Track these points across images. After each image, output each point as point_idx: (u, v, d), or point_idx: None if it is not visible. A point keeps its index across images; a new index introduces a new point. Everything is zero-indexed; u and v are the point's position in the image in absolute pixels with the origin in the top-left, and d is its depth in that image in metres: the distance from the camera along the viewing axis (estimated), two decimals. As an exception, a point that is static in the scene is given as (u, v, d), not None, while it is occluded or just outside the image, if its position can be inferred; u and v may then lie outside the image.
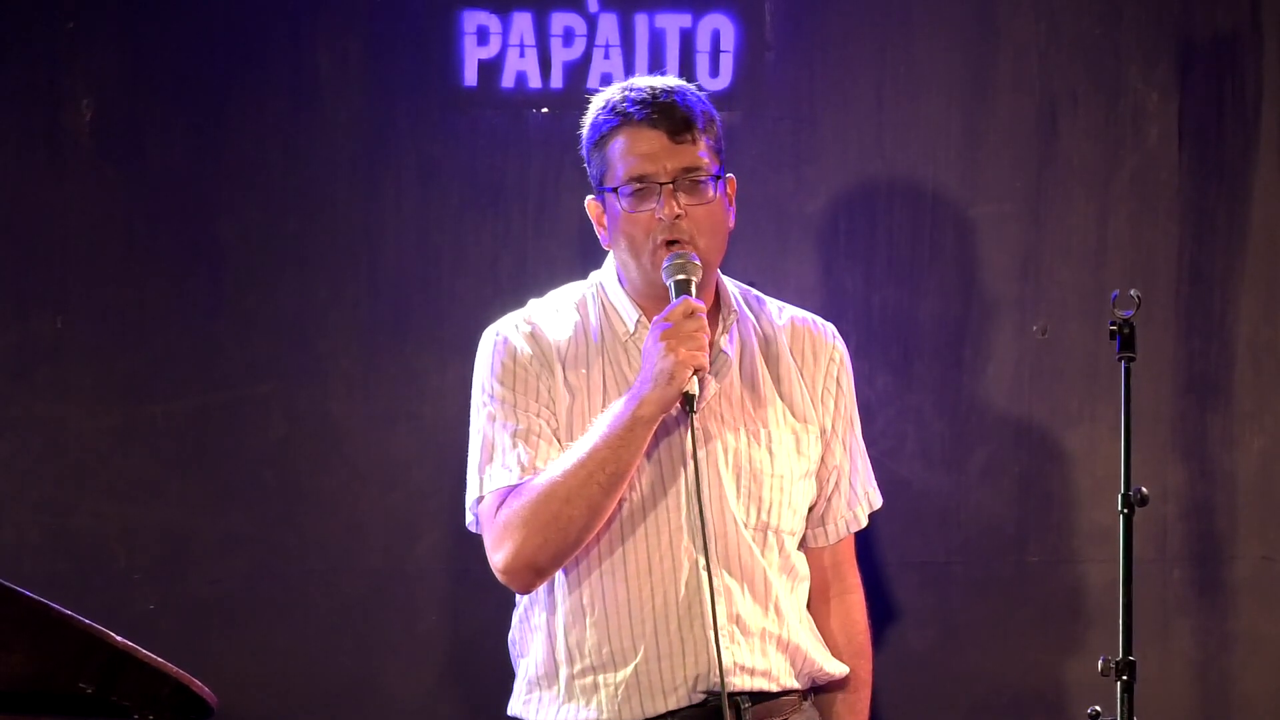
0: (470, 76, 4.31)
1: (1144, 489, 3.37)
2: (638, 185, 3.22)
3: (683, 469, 3.23)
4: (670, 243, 3.21)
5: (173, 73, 4.31)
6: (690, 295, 3.17)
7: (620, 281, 3.33)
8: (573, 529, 3.16)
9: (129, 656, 2.92)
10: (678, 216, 3.20)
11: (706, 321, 3.17)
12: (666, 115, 3.22)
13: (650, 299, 3.27)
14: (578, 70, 4.30)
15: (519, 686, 3.35)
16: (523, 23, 4.30)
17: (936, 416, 4.34)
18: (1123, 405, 3.41)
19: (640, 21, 4.30)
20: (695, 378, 3.14)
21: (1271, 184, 4.34)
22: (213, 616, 4.29)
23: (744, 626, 3.25)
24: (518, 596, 3.35)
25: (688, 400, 3.14)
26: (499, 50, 4.30)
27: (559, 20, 4.30)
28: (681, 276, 3.19)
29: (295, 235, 4.32)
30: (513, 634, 3.38)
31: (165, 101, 4.31)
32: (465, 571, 4.25)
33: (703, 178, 3.23)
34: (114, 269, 4.31)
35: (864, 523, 3.45)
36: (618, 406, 3.17)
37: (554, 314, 3.34)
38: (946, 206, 4.35)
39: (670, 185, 3.21)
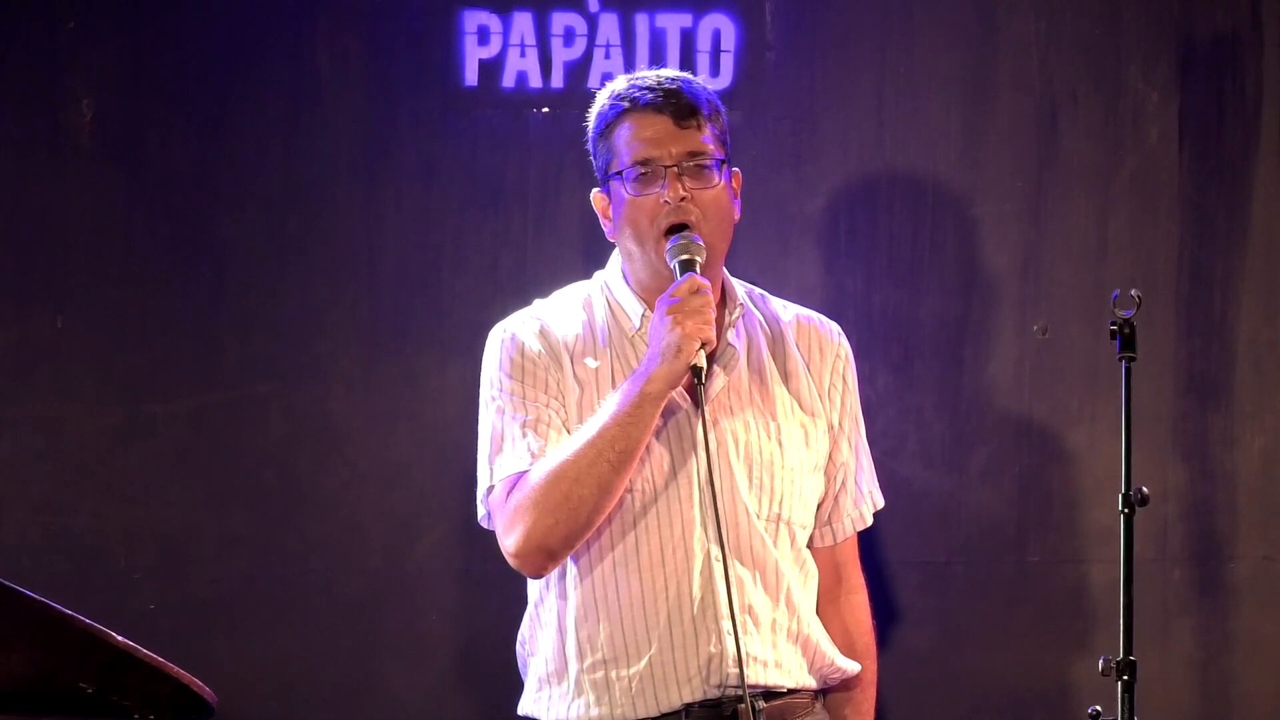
0: (471, 76, 4.31)
1: (1144, 489, 3.37)
2: (643, 169, 3.23)
3: (694, 460, 3.23)
4: (675, 227, 3.21)
5: (173, 73, 4.31)
6: (695, 273, 3.17)
7: (625, 279, 3.33)
8: (584, 509, 3.15)
9: (129, 656, 2.92)
10: (683, 199, 3.20)
11: (712, 299, 3.17)
12: (672, 100, 3.24)
13: (654, 292, 3.26)
14: (578, 70, 4.30)
15: (529, 684, 3.35)
16: (523, 22, 4.30)
17: (936, 416, 4.34)
18: (1123, 405, 3.41)
19: (641, 21, 4.30)
20: (702, 352, 3.14)
21: (1271, 184, 4.34)
22: (213, 616, 4.28)
23: (755, 618, 3.25)
24: (529, 592, 3.34)
25: (695, 374, 3.14)
26: (499, 50, 4.30)
27: (559, 20, 4.30)
28: (685, 257, 3.19)
29: (295, 235, 4.32)
30: (522, 632, 3.37)
31: (165, 101, 4.31)
32: (466, 571, 4.25)
33: (707, 162, 3.24)
34: (114, 269, 4.31)
35: (869, 521, 3.44)
36: (626, 385, 3.17)
37: (561, 311, 3.34)
38: (946, 206, 4.35)
39: (675, 168, 3.22)
